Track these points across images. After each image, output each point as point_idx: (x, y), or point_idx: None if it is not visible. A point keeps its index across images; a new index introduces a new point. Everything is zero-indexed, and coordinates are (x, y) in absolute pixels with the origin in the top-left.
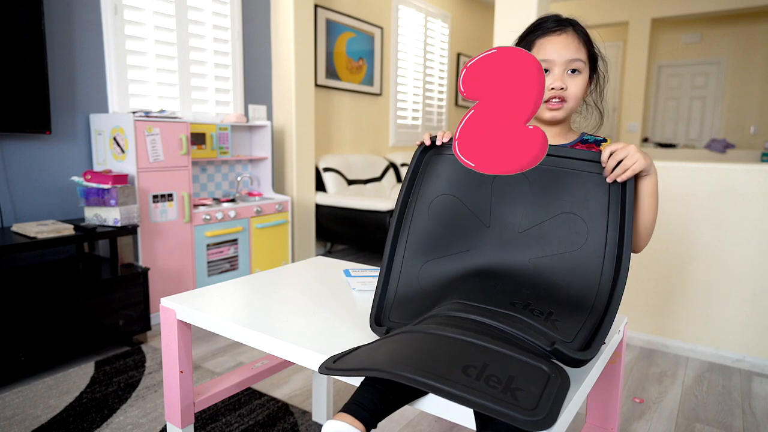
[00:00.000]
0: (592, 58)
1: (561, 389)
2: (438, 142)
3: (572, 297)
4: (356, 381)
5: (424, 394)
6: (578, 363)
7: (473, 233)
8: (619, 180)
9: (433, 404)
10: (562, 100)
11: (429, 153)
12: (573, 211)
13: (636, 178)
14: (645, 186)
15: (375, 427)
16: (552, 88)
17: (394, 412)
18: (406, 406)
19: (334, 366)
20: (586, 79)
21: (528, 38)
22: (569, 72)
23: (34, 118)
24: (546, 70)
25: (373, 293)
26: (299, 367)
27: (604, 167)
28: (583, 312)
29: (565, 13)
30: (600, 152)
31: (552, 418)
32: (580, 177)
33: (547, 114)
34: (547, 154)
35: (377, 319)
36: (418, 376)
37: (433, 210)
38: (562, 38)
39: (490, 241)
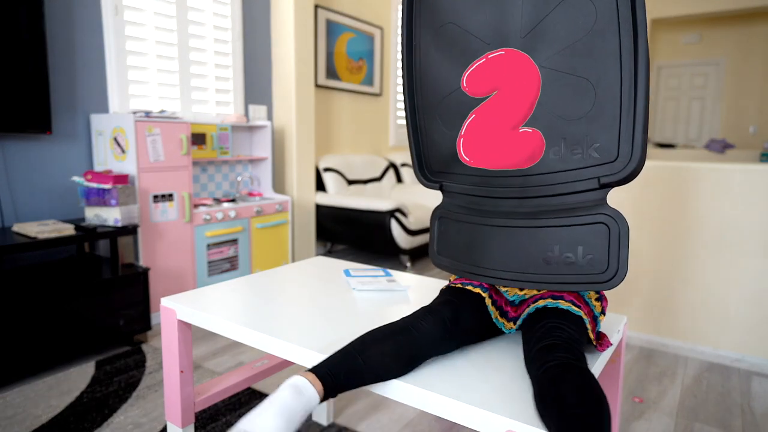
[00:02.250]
0: None
1: (623, 236)
2: None
3: (599, 97)
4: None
5: (400, 375)
6: (631, 178)
7: (474, 56)
8: None
9: (434, 403)
10: None
11: None
12: None
13: None
14: None
15: (335, 395)
16: None
17: (358, 387)
18: (408, 405)
19: (441, 258)
20: None
21: None
22: None
23: (35, 118)
24: None
25: (372, 293)
26: (299, 367)
27: None
28: (614, 110)
29: None
30: None
31: (622, 273)
32: None
33: None
34: None
35: (424, 174)
36: (510, 278)
37: (438, 43)
38: None
39: None
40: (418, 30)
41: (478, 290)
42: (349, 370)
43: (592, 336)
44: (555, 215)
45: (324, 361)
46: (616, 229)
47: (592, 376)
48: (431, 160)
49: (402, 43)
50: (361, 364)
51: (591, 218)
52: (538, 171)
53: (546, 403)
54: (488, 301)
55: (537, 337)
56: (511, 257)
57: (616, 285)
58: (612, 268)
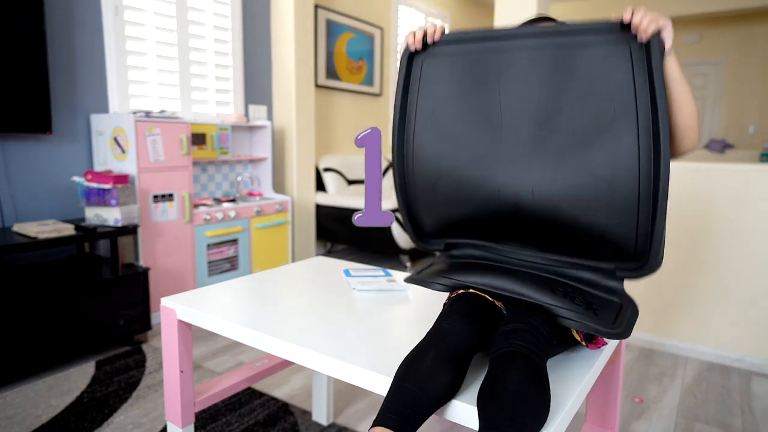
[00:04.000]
0: None
1: (632, 313)
2: (429, 41)
3: (615, 196)
4: (360, 382)
5: (455, 393)
6: (649, 274)
7: (485, 137)
8: (647, 33)
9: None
10: None
11: (420, 57)
12: (594, 89)
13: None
14: (670, 67)
15: None
16: None
17: (427, 418)
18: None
19: (421, 277)
20: None
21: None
22: None
23: (35, 118)
24: None
25: (372, 293)
26: (299, 367)
27: (624, 24)
28: (631, 209)
29: (565, 13)
30: (612, 20)
31: (628, 330)
32: (596, 50)
33: None
34: (556, 33)
35: (423, 240)
36: (518, 288)
37: (436, 120)
38: (551, 25)
39: (504, 144)
40: (414, 103)
41: (485, 296)
42: (410, 402)
43: (578, 337)
44: (572, 280)
45: (383, 408)
46: (628, 308)
47: (539, 368)
48: (428, 229)
49: (395, 108)
50: (416, 391)
51: (605, 295)
52: (557, 257)
53: (487, 386)
54: (491, 299)
55: (506, 321)
56: (520, 285)
57: (620, 339)
58: (618, 326)
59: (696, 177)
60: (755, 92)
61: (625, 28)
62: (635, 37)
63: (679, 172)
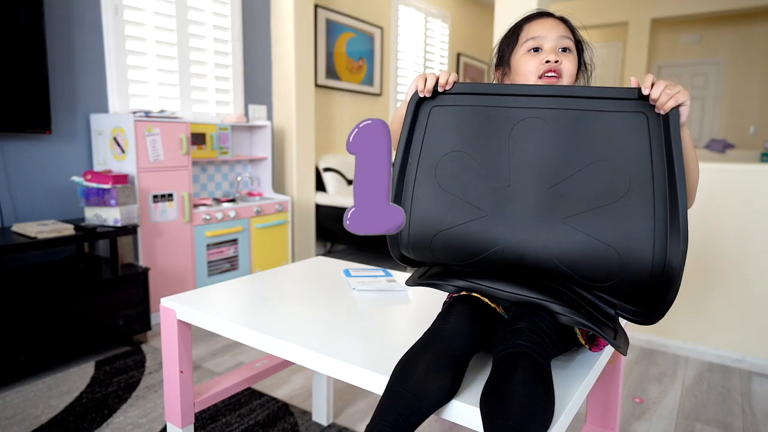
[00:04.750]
0: (579, 48)
1: (626, 339)
2: (440, 89)
3: (626, 265)
4: (359, 382)
5: (453, 395)
6: (643, 324)
7: (492, 194)
8: (665, 108)
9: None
10: (558, 75)
11: (428, 103)
12: (609, 157)
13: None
14: (683, 137)
15: None
16: (547, 61)
17: (424, 420)
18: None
19: (425, 279)
20: (576, 62)
21: (516, 26)
22: (560, 50)
23: (35, 118)
24: (536, 49)
25: (372, 293)
26: (299, 367)
27: (644, 95)
28: (642, 284)
29: (565, 13)
30: (630, 88)
31: (627, 347)
32: (612, 118)
33: None
34: (571, 95)
35: (404, 263)
36: (525, 291)
37: (441, 171)
38: (550, 20)
39: (512, 203)
40: (417, 150)
41: (485, 300)
42: (403, 408)
43: (582, 340)
44: (575, 294)
45: (377, 412)
46: (623, 334)
47: (544, 370)
48: (416, 260)
49: (396, 154)
50: (410, 396)
51: (603, 318)
52: (559, 288)
53: (491, 390)
54: (493, 305)
55: (511, 321)
56: (527, 289)
57: (624, 353)
58: (618, 339)
59: None
60: (755, 92)
61: (643, 96)
62: (653, 106)
63: None
